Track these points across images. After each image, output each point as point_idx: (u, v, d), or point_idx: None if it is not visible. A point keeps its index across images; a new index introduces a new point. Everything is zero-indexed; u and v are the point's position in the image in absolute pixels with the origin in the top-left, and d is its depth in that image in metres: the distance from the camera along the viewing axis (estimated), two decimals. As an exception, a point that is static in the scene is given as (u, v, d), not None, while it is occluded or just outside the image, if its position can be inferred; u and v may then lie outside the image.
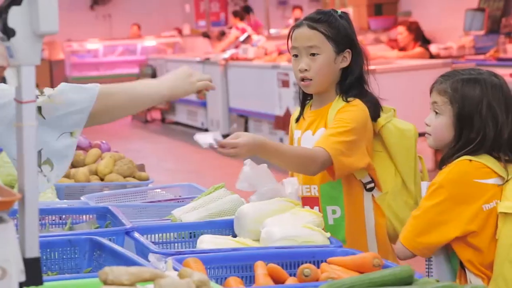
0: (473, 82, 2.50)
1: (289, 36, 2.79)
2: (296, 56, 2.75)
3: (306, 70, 2.72)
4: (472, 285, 1.71)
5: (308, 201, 2.77)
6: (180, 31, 17.11)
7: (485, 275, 2.40)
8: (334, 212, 2.76)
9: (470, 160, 2.47)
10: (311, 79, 2.72)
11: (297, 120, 2.88)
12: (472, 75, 2.52)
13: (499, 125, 2.46)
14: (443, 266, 2.50)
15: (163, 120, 14.03)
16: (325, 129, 2.75)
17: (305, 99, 2.88)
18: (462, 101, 2.48)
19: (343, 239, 2.66)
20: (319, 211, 2.70)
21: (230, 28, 14.06)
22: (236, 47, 12.19)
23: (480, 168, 2.46)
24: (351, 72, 2.75)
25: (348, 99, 2.74)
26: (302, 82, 2.75)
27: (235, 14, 13.87)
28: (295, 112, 2.92)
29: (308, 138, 2.79)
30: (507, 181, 2.44)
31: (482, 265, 2.41)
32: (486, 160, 2.46)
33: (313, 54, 2.71)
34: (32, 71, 1.45)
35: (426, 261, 2.56)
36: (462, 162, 2.47)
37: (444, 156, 2.53)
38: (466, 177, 2.45)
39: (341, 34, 2.73)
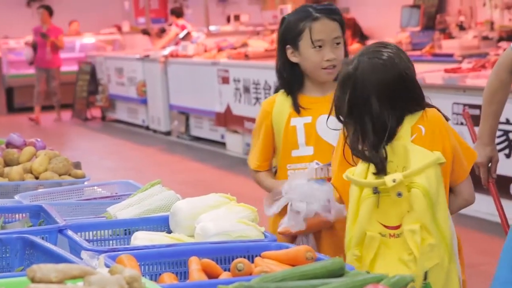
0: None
1: (305, 29, 2.88)
2: (319, 47, 2.89)
3: (334, 59, 2.90)
4: (400, 276, 1.73)
5: None
6: (119, 28, 16.95)
7: None
8: None
9: None
10: (335, 67, 2.90)
11: (297, 109, 2.93)
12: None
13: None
14: None
15: (103, 118, 13.90)
16: None
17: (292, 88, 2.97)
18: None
19: None
20: None
21: (170, 25, 13.99)
22: (176, 44, 12.14)
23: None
24: (346, 53, 2.97)
25: None
26: (328, 70, 2.91)
27: (172, 12, 13.79)
28: (275, 102, 2.97)
29: (323, 121, 2.84)
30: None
31: None
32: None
33: (337, 43, 2.91)
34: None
35: None
36: None
37: None
38: None
39: (343, 21, 2.97)
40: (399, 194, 2.38)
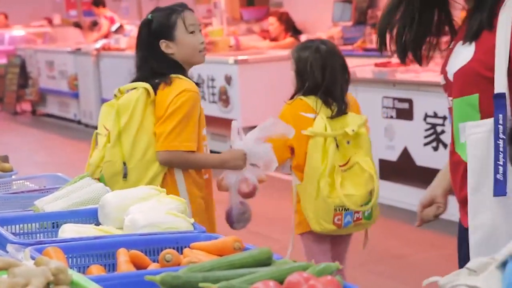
0: (304, 48, 3.70)
1: (177, 20, 3.26)
2: (192, 32, 3.27)
3: (204, 42, 3.34)
4: (325, 264, 1.76)
5: None
6: (50, 21, 16.70)
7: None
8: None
9: (301, 99, 3.64)
10: (205, 49, 3.36)
11: None
12: (305, 44, 3.78)
13: (316, 78, 3.62)
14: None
15: (33, 112, 13.67)
16: None
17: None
18: (297, 62, 3.67)
19: None
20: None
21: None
22: (108, 37, 12.02)
23: (305, 105, 3.62)
24: None
25: None
26: (202, 53, 3.32)
27: (95, 3, 13.39)
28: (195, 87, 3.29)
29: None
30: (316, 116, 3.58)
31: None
32: (312, 100, 3.61)
33: (200, 30, 3.35)
34: None
35: None
36: (296, 100, 3.67)
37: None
38: (294, 111, 3.63)
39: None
40: (348, 142, 3.57)
